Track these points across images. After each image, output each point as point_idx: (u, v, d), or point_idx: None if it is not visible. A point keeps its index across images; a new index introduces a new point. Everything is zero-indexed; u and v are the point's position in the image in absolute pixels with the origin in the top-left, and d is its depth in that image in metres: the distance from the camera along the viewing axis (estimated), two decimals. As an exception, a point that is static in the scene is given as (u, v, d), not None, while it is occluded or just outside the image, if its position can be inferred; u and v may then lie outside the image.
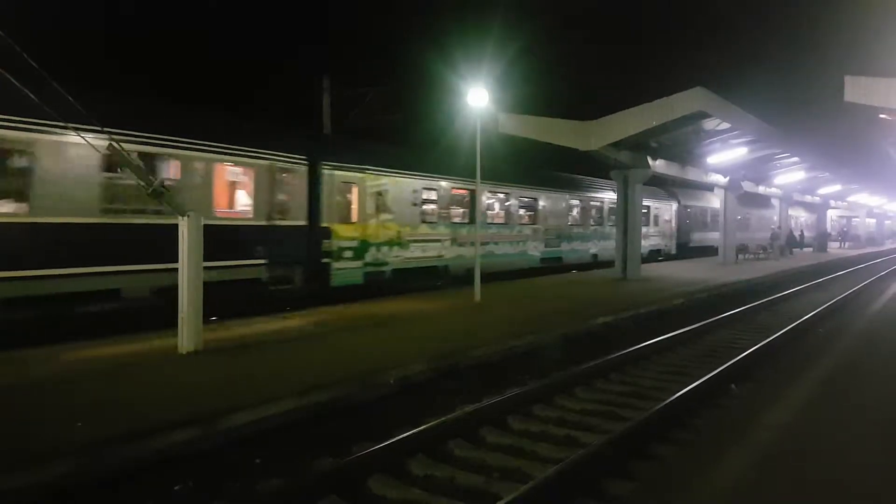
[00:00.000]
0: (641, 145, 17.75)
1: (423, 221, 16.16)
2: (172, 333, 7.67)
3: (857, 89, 13.53)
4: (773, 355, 9.30)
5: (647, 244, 26.03)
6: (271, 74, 30.41)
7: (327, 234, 13.30)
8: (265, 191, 12.22)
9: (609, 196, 24.40)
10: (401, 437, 5.51)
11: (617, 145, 16.79)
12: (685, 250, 30.81)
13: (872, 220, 56.12)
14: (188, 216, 7.51)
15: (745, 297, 15.86)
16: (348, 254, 13.72)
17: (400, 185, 15.33)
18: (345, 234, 13.70)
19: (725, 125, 17.20)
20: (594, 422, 6.49)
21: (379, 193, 14.76)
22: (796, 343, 10.25)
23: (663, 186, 29.37)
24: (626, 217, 18.37)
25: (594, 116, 16.33)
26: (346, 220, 13.97)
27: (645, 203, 25.57)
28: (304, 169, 13.00)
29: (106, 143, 7.11)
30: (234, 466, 5.09)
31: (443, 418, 5.99)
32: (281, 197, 12.64)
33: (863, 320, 10.84)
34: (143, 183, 7.31)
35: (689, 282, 17.19)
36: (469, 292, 13.03)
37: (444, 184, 16.94)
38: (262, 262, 11.98)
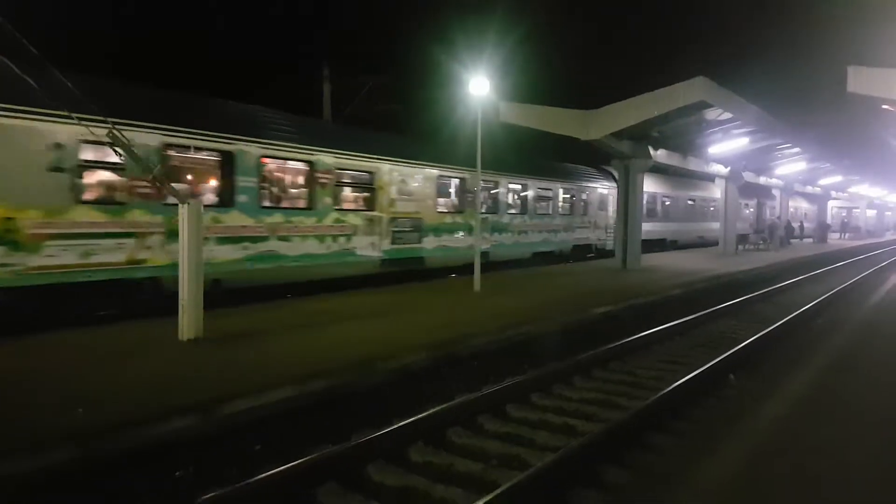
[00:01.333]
0: (643, 135, 17.69)
1: (88, 201, 9.47)
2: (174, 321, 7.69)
3: (859, 80, 13.47)
4: (771, 346, 9.34)
5: (568, 237, 21.55)
6: (272, 64, 30.27)
7: None
8: None
9: (515, 179, 19.07)
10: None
11: (618, 135, 16.75)
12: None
13: (873, 212, 56.07)
14: (188, 203, 7.53)
15: (744, 288, 15.90)
16: None
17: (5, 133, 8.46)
18: None
19: (727, 115, 17.12)
20: (591, 410, 6.54)
21: None
22: (795, 334, 10.28)
23: (598, 164, 24.01)
24: (627, 208, 18.36)
25: (595, 106, 16.29)
26: None
27: (565, 185, 21.61)
28: None
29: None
30: (234, 452, 5.14)
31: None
32: None
33: (861, 312, 10.87)
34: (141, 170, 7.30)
35: (688, 272, 17.21)
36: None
37: (148, 139, 9.82)
38: None
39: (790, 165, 28.88)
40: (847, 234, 47.99)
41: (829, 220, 44.48)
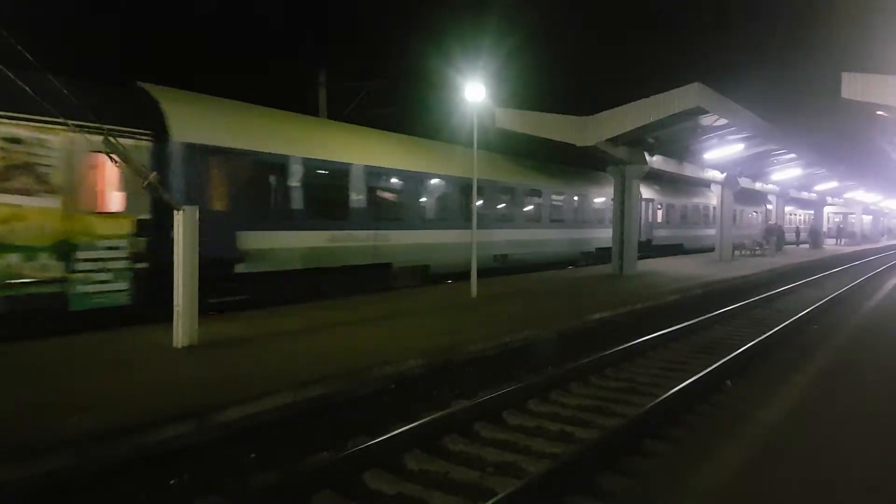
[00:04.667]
0: (638, 141, 17.72)
1: None
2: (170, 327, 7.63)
3: (854, 86, 13.54)
4: (769, 351, 9.32)
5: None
6: (269, 67, 30.29)
7: None
8: None
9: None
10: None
11: (614, 141, 16.78)
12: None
13: (868, 217, 56.26)
14: (183, 210, 7.47)
15: (741, 294, 15.90)
16: None
17: None
18: None
19: (723, 121, 17.18)
20: (588, 417, 6.52)
21: None
22: (792, 339, 10.27)
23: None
24: (622, 213, 18.35)
25: (591, 112, 16.32)
26: None
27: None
28: None
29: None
30: (229, 461, 5.08)
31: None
32: None
33: (858, 317, 10.87)
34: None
35: (685, 277, 17.19)
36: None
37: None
38: None
39: (786, 171, 28.97)
40: (843, 240, 48.10)
41: (824, 226, 44.49)
